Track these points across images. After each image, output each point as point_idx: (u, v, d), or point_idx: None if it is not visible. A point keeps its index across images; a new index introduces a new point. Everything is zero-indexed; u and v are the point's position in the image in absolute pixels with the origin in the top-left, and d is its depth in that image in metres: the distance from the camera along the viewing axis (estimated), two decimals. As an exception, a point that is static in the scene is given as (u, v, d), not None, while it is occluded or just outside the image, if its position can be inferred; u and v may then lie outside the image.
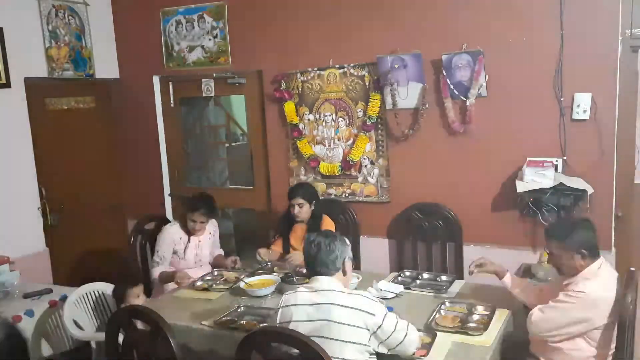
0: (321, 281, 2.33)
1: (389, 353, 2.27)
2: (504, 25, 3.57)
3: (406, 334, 2.26)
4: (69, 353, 3.61)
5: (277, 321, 2.35)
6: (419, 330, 2.51)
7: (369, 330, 2.21)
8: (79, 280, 3.77)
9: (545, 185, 3.40)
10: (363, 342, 2.21)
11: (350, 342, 2.20)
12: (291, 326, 2.26)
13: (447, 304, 2.87)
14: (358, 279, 3.12)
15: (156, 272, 3.66)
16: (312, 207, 3.76)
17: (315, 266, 2.36)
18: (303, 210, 3.72)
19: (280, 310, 2.36)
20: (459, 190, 3.81)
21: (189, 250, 3.72)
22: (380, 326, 2.21)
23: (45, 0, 4.33)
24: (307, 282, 3.10)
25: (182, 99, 4.98)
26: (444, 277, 3.28)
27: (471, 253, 3.67)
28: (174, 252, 3.70)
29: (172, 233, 3.71)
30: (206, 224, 3.72)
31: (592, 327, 2.49)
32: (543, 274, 3.33)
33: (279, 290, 3.08)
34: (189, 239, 3.72)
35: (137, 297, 3.25)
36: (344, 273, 2.39)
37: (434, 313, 2.74)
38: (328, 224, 3.78)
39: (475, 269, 2.87)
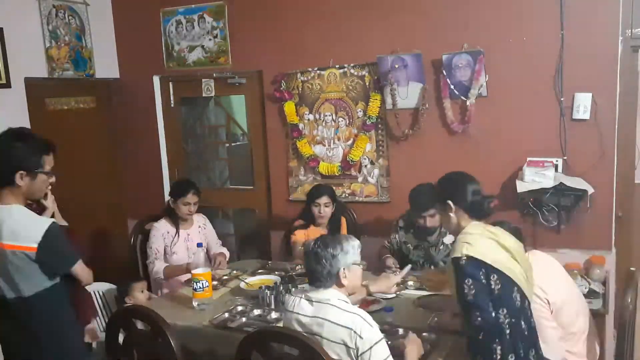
0: (319, 292, 2.26)
1: None
2: (505, 25, 3.57)
3: None
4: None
5: (282, 324, 2.35)
6: (420, 330, 2.51)
7: (349, 347, 2.12)
8: (79, 280, 3.77)
9: (545, 186, 3.40)
10: None
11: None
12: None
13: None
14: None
15: (159, 267, 3.63)
16: (333, 209, 3.76)
17: (311, 278, 2.30)
18: (328, 210, 3.70)
19: (285, 313, 2.36)
20: (459, 190, 3.80)
21: (179, 244, 3.71)
22: (364, 352, 2.10)
23: (45, 0, 4.33)
24: (307, 282, 3.11)
25: (183, 99, 4.98)
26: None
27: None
28: (165, 247, 3.71)
29: (161, 228, 3.73)
30: (196, 206, 3.74)
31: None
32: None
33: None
34: (177, 233, 3.73)
35: (140, 291, 3.28)
36: (340, 285, 2.26)
37: (434, 313, 2.74)
38: (344, 225, 3.78)
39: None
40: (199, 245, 3.37)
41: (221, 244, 4.03)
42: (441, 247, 3.44)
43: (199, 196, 3.77)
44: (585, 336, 2.60)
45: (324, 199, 3.70)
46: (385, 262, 3.43)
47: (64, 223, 2.64)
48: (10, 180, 2.35)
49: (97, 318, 3.55)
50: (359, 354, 2.11)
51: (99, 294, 3.54)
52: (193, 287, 3.00)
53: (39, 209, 2.57)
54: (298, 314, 2.26)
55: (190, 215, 3.77)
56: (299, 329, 2.24)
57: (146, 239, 4.05)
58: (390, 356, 2.15)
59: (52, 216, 2.58)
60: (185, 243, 3.75)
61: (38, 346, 2.40)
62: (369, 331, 2.13)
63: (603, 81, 3.38)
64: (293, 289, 2.82)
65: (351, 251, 2.29)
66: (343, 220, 3.84)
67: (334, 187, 4.23)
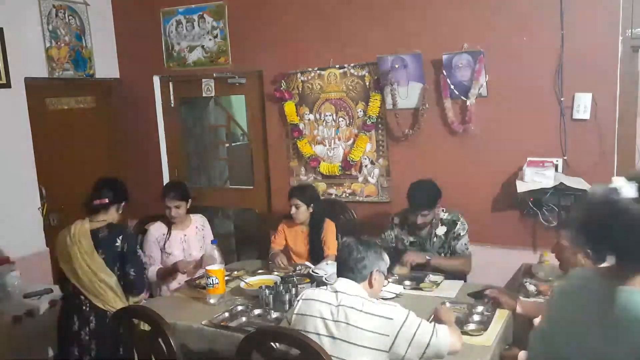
0: (344, 283, 2.27)
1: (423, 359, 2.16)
2: (505, 25, 3.57)
3: (431, 335, 2.15)
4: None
5: (295, 311, 2.32)
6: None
7: (388, 336, 2.12)
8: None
9: (545, 185, 3.39)
10: (382, 349, 2.12)
11: (368, 347, 2.13)
12: (308, 320, 2.23)
13: (448, 304, 2.86)
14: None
15: (152, 272, 3.60)
16: (311, 210, 3.68)
17: (343, 269, 2.32)
18: (299, 211, 3.65)
19: (300, 301, 2.33)
20: (459, 190, 3.79)
21: (175, 245, 3.66)
22: (399, 330, 2.12)
23: (45, 0, 4.33)
24: (307, 282, 3.11)
25: (183, 99, 4.99)
26: (431, 277, 3.26)
27: (472, 253, 3.67)
28: (161, 249, 3.67)
29: (154, 231, 3.68)
30: (182, 209, 3.64)
31: None
32: (543, 274, 3.32)
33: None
34: (169, 231, 3.67)
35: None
36: (371, 285, 2.30)
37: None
38: (329, 226, 3.72)
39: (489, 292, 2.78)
40: (214, 242, 3.36)
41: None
42: (434, 239, 3.46)
43: (181, 200, 3.63)
44: None
45: (295, 200, 3.64)
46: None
47: None
48: None
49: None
50: (397, 335, 2.12)
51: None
52: (207, 283, 3.06)
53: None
54: (321, 301, 2.25)
55: (175, 218, 3.66)
56: (322, 316, 2.21)
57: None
58: (424, 323, 2.19)
59: None
60: (182, 244, 3.69)
61: None
62: (397, 312, 2.17)
63: (603, 81, 3.38)
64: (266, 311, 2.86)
65: (385, 260, 2.38)
66: (328, 221, 3.74)
67: (335, 187, 4.24)
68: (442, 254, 3.45)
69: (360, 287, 2.27)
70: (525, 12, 3.51)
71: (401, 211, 3.58)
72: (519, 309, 2.69)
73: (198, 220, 3.83)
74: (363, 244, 2.34)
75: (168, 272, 3.57)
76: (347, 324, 2.16)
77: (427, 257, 3.33)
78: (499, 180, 3.71)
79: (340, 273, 2.34)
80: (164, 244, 3.66)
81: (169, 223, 3.69)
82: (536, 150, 3.54)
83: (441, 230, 3.45)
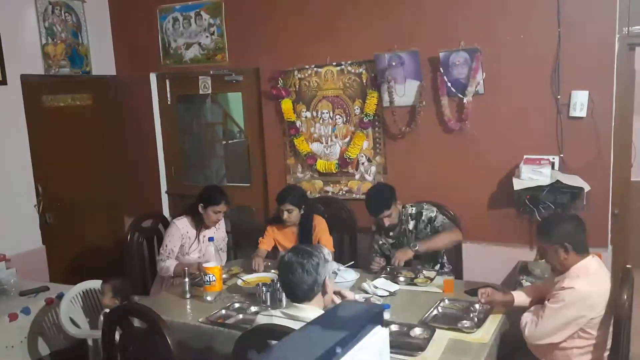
0: (300, 309, 2.17)
1: None
2: (502, 23, 3.57)
3: None
4: (65, 351, 3.61)
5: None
6: (415, 326, 2.52)
7: None
8: (75, 278, 3.77)
9: (542, 183, 3.40)
10: None
11: None
12: None
13: (446, 301, 2.87)
14: (357, 275, 3.14)
15: (169, 264, 3.57)
16: (302, 211, 3.66)
17: (292, 293, 2.19)
18: (292, 215, 3.63)
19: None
20: (456, 188, 3.81)
21: (194, 245, 3.67)
22: None
23: (41, -3, 4.32)
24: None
25: (179, 96, 4.97)
26: (425, 272, 3.27)
27: (469, 251, 3.68)
28: (181, 246, 3.65)
29: (182, 227, 3.65)
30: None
31: (585, 322, 2.49)
32: (540, 271, 3.34)
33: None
34: (197, 235, 3.67)
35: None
36: (324, 293, 2.21)
37: (431, 310, 2.75)
38: (320, 224, 3.71)
39: (483, 300, 2.75)
40: (210, 239, 3.35)
41: (226, 242, 3.99)
42: (409, 234, 3.47)
43: (229, 205, 3.70)
44: None
45: (287, 206, 3.61)
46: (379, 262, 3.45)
47: None
48: None
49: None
50: None
51: (95, 292, 3.53)
52: (204, 280, 3.06)
53: None
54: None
55: (217, 224, 3.72)
56: None
57: (143, 236, 4.05)
58: None
59: None
60: (200, 245, 3.70)
61: None
62: None
63: (600, 79, 3.38)
64: (263, 309, 2.77)
65: (329, 259, 2.26)
66: (317, 218, 3.73)
67: (331, 185, 4.24)
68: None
69: (314, 306, 2.18)
70: (522, 10, 3.51)
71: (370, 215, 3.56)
72: (516, 303, 2.70)
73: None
74: (305, 256, 2.16)
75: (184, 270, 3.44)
76: None
77: (414, 248, 3.30)
78: (495, 178, 3.71)
79: (290, 296, 2.22)
80: (190, 245, 3.64)
81: (198, 226, 3.67)
82: (533, 148, 3.55)
83: (411, 224, 3.47)
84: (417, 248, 3.30)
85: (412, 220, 3.47)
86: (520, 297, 2.75)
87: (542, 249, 2.62)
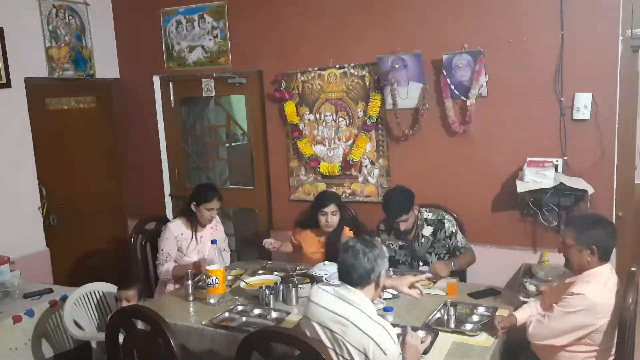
0: (351, 292, 2.22)
1: None
2: (505, 25, 3.56)
3: None
4: (69, 353, 3.61)
5: (305, 312, 2.32)
6: (419, 329, 2.52)
7: (368, 357, 2.11)
8: (79, 280, 3.78)
9: (545, 186, 3.39)
10: None
11: None
12: (312, 325, 2.24)
13: (449, 304, 2.86)
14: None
15: (167, 269, 3.60)
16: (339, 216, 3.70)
17: (348, 276, 2.24)
18: (336, 218, 3.63)
19: (309, 303, 2.32)
20: (459, 191, 3.80)
21: (191, 245, 3.69)
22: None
23: (45, 0, 4.33)
24: (307, 282, 3.10)
25: (183, 99, 4.98)
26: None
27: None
28: (178, 249, 3.67)
29: (175, 230, 3.67)
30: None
31: (592, 330, 2.48)
32: (543, 274, 3.33)
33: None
34: (193, 235, 3.69)
35: (127, 301, 3.17)
36: (377, 286, 2.27)
37: (435, 312, 2.74)
38: (347, 233, 3.71)
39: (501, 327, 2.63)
40: (214, 242, 3.36)
41: (227, 242, 4.01)
42: (422, 240, 3.45)
43: (221, 202, 3.73)
44: None
45: (332, 207, 3.62)
46: None
47: None
48: None
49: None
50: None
51: (99, 294, 3.54)
52: (207, 283, 3.05)
53: None
54: (324, 307, 2.23)
55: (211, 221, 3.74)
56: (318, 321, 2.21)
57: (146, 239, 4.06)
58: None
59: None
60: (198, 245, 3.71)
61: None
62: (393, 347, 2.13)
63: (603, 81, 3.38)
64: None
65: (386, 257, 2.32)
66: (345, 228, 3.74)
67: (334, 188, 4.24)
68: (433, 254, 3.44)
69: (364, 294, 2.23)
70: (526, 12, 3.51)
71: (386, 217, 3.55)
72: (519, 323, 2.66)
73: (213, 221, 3.82)
74: (368, 246, 2.24)
75: (186, 269, 3.46)
76: (342, 337, 2.16)
77: (452, 266, 3.24)
78: (499, 180, 3.71)
79: (345, 278, 2.26)
80: (187, 246, 3.66)
81: (194, 226, 3.69)
82: (536, 151, 3.54)
83: (427, 230, 3.44)
84: (455, 268, 3.27)
85: (427, 225, 3.44)
86: (523, 316, 2.69)
87: (566, 245, 2.57)
